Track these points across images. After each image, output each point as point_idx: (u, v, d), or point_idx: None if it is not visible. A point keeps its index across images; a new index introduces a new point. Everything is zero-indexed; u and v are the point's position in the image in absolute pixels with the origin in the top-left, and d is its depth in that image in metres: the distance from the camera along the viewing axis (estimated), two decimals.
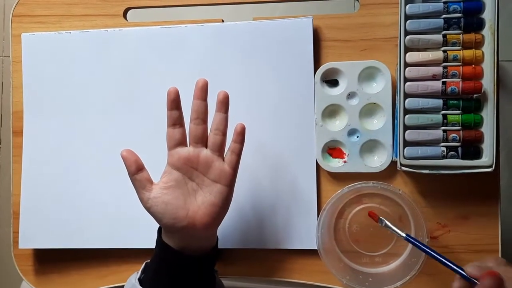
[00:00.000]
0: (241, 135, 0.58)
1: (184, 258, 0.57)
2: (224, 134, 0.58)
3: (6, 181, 1.48)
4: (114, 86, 0.72)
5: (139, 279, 0.59)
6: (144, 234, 0.70)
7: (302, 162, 0.68)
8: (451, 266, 0.54)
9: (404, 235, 0.58)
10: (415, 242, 0.57)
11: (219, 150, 0.58)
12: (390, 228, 0.61)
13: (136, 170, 0.57)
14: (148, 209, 0.57)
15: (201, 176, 0.57)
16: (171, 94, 0.58)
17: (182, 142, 0.58)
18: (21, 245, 0.72)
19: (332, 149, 0.68)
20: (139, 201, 0.58)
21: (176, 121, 0.58)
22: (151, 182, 0.57)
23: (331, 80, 0.68)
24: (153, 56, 0.71)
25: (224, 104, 0.58)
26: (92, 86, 0.72)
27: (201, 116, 0.58)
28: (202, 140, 0.58)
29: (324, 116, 0.68)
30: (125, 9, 0.74)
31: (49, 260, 0.74)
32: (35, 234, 0.72)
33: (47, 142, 0.73)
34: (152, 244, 0.70)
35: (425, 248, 0.57)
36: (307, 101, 0.68)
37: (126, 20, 0.74)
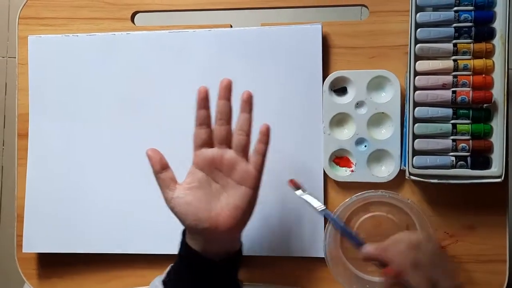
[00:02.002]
0: (266, 135, 0.57)
1: (206, 260, 0.56)
2: (248, 134, 0.57)
3: (10, 182, 1.48)
4: (121, 89, 0.72)
5: (163, 281, 0.58)
6: (148, 240, 0.70)
7: (309, 170, 0.67)
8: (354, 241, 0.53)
9: (321, 208, 0.54)
10: (329, 216, 0.54)
11: (243, 151, 0.57)
12: (306, 200, 0.56)
13: (160, 169, 0.56)
14: (171, 209, 0.56)
15: (225, 178, 0.57)
16: (201, 93, 0.57)
17: (208, 143, 0.57)
18: (25, 249, 0.72)
19: (340, 158, 0.68)
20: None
21: (204, 121, 0.57)
22: (175, 181, 0.57)
23: (339, 88, 0.68)
24: (160, 60, 0.71)
25: (248, 104, 0.57)
26: (99, 90, 0.72)
27: (225, 116, 0.57)
28: (226, 141, 0.57)
29: (332, 124, 0.67)
30: (132, 13, 0.73)
31: (52, 264, 0.74)
32: (39, 238, 0.72)
33: (53, 145, 0.72)
34: (155, 250, 0.70)
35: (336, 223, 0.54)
36: (315, 109, 0.68)
37: (134, 24, 0.74)
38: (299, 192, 0.53)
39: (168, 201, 0.56)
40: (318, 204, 0.51)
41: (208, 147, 0.57)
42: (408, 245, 0.49)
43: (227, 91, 0.57)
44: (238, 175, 0.56)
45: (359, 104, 0.67)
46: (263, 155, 0.57)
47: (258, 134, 0.57)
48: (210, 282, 0.57)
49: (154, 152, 0.57)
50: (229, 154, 0.57)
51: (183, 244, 0.58)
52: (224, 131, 0.57)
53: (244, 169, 0.56)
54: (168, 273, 0.59)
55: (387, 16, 0.69)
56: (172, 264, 0.60)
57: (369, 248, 0.49)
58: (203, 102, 0.57)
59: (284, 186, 0.68)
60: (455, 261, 0.67)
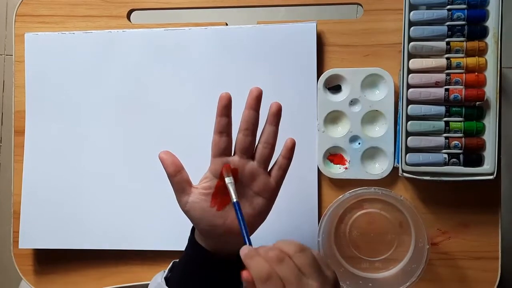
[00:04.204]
0: (291, 150, 0.57)
1: (216, 259, 0.56)
2: (273, 147, 0.56)
3: (6, 179, 1.48)
4: (117, 87, 0.72)
5: (165, 278, 0.58)
6: (143, 237, 0.71)
7: (304, 168, 0.68)
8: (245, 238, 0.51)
9: (235, 200, 0.53)
10: (237, 210, 0.53)
11: (266, 163, 0.56)
12: (228, 188, 0.54)
13: (174, 172, 0.55)
14: (186, 213, 0.55)
15: (243, 187, 0.56)
16: (223, 99, 0.54)
17: (227, 152, 0.55)
18: (21, 245, 0.72)
19: (334, 155, 0.68)
20: (176, 203, 0.56)
21: (224, 129, 0.55)
22: (190, 184, 0.55)
23: (334, 86, 0.69)
24: (156, 58, 0.71)
25: (277, 116, 0.56)
26: (94, 87, 0.72)
27: (251, 127, 0.55)
28: (249, 152, 0.55)
29: (326, 122, 0.68)
30: (129, 11, 0.74)
31: (48, 260, 0.74)
32: (35, 234, 0.72)
33: (49, 142, 0.73)
34: (151, 246, 0.70)
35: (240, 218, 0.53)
36: (309, 107, 0.68)
37: (130, 21, 0.74)
38: (228, 179, 0.55)
39: (182, 204, 0.55)
40: (233, 196, 0.54)
41: (226, 156, 0.56)
42: (273, 256, 0.46)
43: (256, 101, 0.55)
44: (257, 186, 0.56)
45: (353, 102, 0.67)
46: (285, 170, 0.57)
47: (282, 148, 0.56)
48: (216, 279, 0.56)
49: (167, 154, 0.55)
50: (251, 165, 0.55)
51: (192, 242, 0.57)
52: (248, 142, 0.55)
53: (264, 181, 0.56)
54: (171, 270, 0.60)
55: (381, 14, 0.69)
56: (174, 260, 0.61)
57: (241, 250, 0.49)
58: (225, 109, 0.54)
59: None
60: (448, 258, 0.67)
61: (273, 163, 0.57)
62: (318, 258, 0.48)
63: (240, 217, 0.53)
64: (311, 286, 0.46)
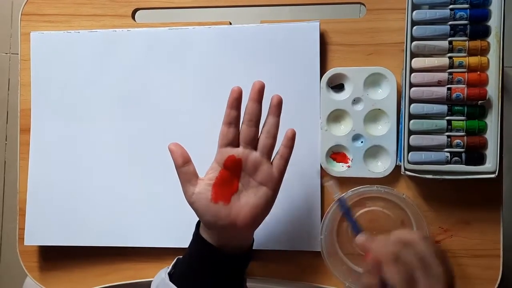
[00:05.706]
0: (291, 140, 0.59)
1: (220, 253, 0.57)
2: (275, 138, 0.58)
3: (12, 177, 1.49)
4: (121, 86, 0.73)
5: (169, 274, 0.59)
6: (148, 233, 0.71)
7: (307, 166, 0.68)
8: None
9: (338, 196, 0.59)
10: (343, 205, 0.59)
11: (268, 153, 0.58)
12: (331, 187, 0.62)
13: (182, 163, 0.57)
14: (191, 204, 0.57)
15: (247, 178, 0.58)
16: (234, 93, 0.57)
17: (234, 143, 0.58)
18: (27, 242, 0.73)
19: (336, 154, 0.69)
20: (183, 195, 0.58)
21: (233, 121, 0.57)
22: (196, 176, 0.58)
23: (336, 85, 0.69)
24: (161, 57, 0.72)
25: (278, 108, 0.58)
26: (99, 86, 0.73)
27: (254, 118, 0.58)
28: (252, 142, 0.58)
29: (329, 120, 0.68)
30: (133, 10, 0.74)
31: (53, 257, 0.75)
32: (40, 231, 0.73)
33: (54, 141, 0.73)
34: (156, 243, 0.71)
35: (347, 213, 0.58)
36: (312, 105, 0.69)
37: (135, 20, 0.75)
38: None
39: (188, 196, 0.57)
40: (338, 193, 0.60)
41: (232, 147, 0.58)
42: (395, 240, 0.49)
43: (259, 94, 0.58)
44: (260, 176, 0.57)
45: (356, 101, 0.68)
46: (286, 159, 0.59)
47: (283, 138, 0.59)
48: (219, 275, 0.57)
49: (176, 146, 0.58)
50: (254, 155, 0.58)
51: (197, 237, 0.58)
52: (252, 133, 0.57)
53: (267, 171, 0.57)
54: (174, 265, 0.60)
55: (384, 14, 0.69)
56: (178, 257, 0.61)
57: (357, 238, 0.51)
58: (235, 102, 0.57)
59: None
60: (450, 256, 0.68)
61: (275, 154, 0.59)
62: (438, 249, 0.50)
63: (348, 213, 0.59)
64: (437, 272, 0.48)
